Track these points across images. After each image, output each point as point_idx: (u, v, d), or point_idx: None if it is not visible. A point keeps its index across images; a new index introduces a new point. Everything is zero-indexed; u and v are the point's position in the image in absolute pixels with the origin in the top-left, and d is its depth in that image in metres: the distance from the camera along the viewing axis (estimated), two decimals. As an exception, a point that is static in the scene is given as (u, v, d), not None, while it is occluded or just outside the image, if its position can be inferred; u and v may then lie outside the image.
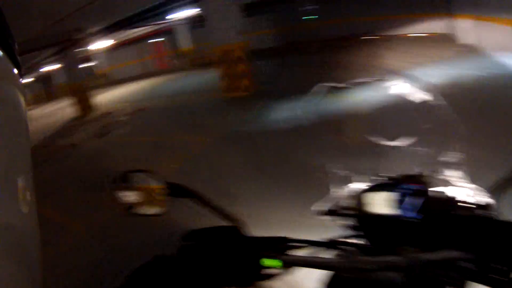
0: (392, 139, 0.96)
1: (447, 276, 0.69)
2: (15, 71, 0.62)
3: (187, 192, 0.87)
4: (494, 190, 0.77)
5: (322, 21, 14.95)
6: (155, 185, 0.89)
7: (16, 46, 0.67)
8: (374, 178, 0.89)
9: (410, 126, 0.93)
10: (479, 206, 0.75)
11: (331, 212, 0.90)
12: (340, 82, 1.03)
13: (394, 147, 0.96)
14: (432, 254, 0.67)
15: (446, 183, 0.84)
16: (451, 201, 0.78)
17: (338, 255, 0.81)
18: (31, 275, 0.49)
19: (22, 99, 0.61)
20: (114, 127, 9.95)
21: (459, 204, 0.77)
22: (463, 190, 0.81)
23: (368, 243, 0.82)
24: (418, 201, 0.77)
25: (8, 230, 0.43)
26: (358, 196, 0.86)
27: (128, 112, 10.90)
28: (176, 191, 0.88)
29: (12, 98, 0.54)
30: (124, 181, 0.91)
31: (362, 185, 0.89)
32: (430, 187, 0.80)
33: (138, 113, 10.76)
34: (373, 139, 1.00)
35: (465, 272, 0.67)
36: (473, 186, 0.82)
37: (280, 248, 0.82)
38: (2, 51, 0.56)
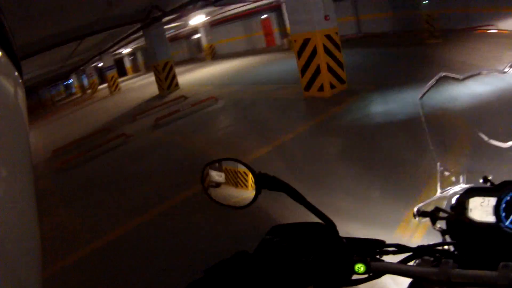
0: (506, 139, 0.93)
1: None
2: (15, 70, 0.59)
3: (279, 184, 0.76)
4: None
5: (433, 10, 12.57)
6: (245, 170, 0.82)
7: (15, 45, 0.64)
8: (482, 181, 0.84)
9: None
10: None
11: (431, 215, 0.85)
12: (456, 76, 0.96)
13: (505, 148, 0.92)
14: None
15: None
16: None
17: (431, 264, 0.75)
18: (28, 277, 0.46)
19: (22, 99, 0.57)
20: (173, 118, 8.86)
21: None
22: None
23: (465, 253, 0.77)
24: None
25: (6, 233, 0.41)
26: (461, 200, 0.82)
27: (196, 101, 9.74)
28: (266, 182, 0.77)
29: (12, 97, 0.53)
30: (216, 165, 0.88)
31: (468, 189, 0.84)
32: None
33: (207, 102, 9.54)
34: (485, 138, 0.95)
35: None
36: None
37: (374, 252, 0.77)
38: (2, 51, 0.55)
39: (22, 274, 0.44)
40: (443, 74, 0.96)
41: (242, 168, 0.83)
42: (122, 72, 36.96)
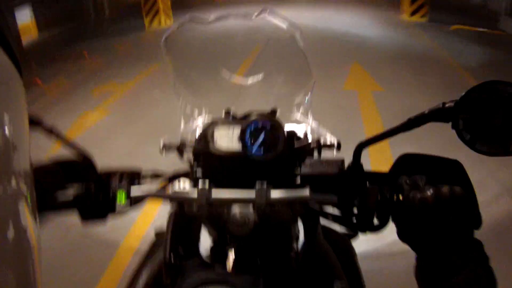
0: (246, 75, 0.99)
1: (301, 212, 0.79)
2: (16, 70, 0.62)
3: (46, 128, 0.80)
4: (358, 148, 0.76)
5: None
6: None
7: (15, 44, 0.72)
8: (225, 113, 0.89)
9: (266, 61, 0.96)
10: (327, 145, 0.84)
11: (178, 148, 0.88)
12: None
13: (246, 84, 0.98)
14: (284, 191, 0.70)
15: (295, 121, 0.90)
16: (300, 138, 0.84)
17: (188, 188, 0.78)
18: (27, 281, 0.48)
19: (22, 100, 0.62)
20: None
21: (308, 141, 0.84)
22: (310, 127, 0.89)
23: (220, 179, 0.78)
24: (267, 137, 0.77)
25: (6, 236, 0.43)
26: (205, 132, 0.83)
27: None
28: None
29: (12, 97, 0.56)
30: None
31: (212, 121, 0.87)
32: (279, 124, 0.79)
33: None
34: (226, 74, 1.00)
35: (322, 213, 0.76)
36: (318, 124, 0.89)
37: (133, 181, 0.83)
38: (2, 51, 0.56)
39: (22, 274, 0.44)
40: (189, 16, 0.95)
41: None
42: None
